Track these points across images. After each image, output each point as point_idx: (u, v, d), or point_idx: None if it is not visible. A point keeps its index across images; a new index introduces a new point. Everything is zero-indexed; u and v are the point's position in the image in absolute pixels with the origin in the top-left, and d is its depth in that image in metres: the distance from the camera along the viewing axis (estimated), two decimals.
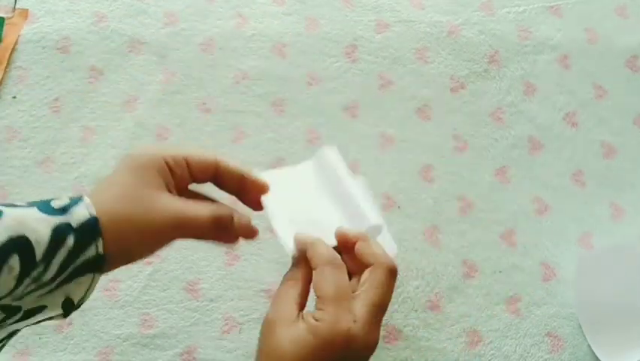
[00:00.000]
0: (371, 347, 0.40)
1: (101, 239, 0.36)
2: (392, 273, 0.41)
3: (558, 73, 0.71)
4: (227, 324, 0.56)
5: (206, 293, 0.57)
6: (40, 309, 0.36)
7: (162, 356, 0.54)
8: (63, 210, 0.35)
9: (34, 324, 0.38)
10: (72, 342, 0.54)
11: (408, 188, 0.64)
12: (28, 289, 0.34)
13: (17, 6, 0.68)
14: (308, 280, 0.42)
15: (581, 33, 0.74)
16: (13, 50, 0.66)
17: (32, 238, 0.33)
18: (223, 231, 0.43)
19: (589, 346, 0.58)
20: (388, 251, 0.43)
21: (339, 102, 0.67)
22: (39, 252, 0.34)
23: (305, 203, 0.47)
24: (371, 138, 0.66)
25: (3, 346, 0.37)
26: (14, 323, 0.35)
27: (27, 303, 0.35)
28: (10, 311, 0.34)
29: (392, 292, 0.41)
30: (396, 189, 0.64)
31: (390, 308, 0.59)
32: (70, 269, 0.36)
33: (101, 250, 0.36)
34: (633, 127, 0.69)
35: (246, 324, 0.56)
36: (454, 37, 0.72)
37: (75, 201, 0.36)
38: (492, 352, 0.58)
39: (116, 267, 0.39)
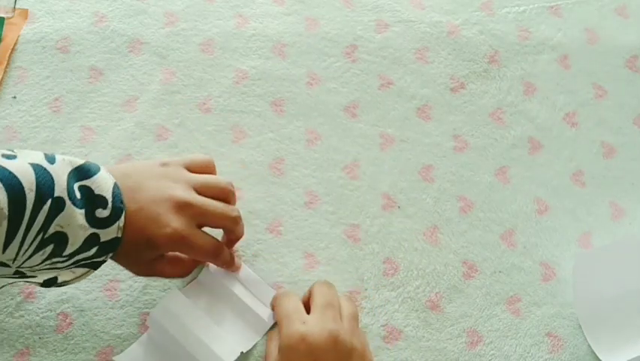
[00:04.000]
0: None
1: (111, 254, 0.43)
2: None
3: (558, 73, 0.71)
4: None
5: None
6: (31, 277, 0.41)
7: None
8: (103, 224, 0.40)
9: (10, 283, 0.43)
10: (72, 342, 0.54)
11: (408, 188, 0.64)
12: (43, 268, 0.40)
13: (17, 6, 0.68)
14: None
15: (581, 33, 0.74)
16: (13, 50, 0.66)
17: (70, 240, 0.39)
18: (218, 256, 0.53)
19: (589, 346, 0.58)
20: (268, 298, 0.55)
21: (339, 102, 0.68)
22: (68, 251, 0.39)
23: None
24: (371, 138, 0.66)
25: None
26: (10, 278, 0.41)
27: (32, 273, 0.40)
28: (19, 275, 0.40)
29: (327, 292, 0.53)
30: (397, 189, 0.64)
31: (390, 308, 0.59)
32: (79, 263, 0.41)
33: (107, 259, 0.43)
34: (633, 127, 0.69)
35: None
36: (454, 37, 0.72)
37: (115, 216, 0.41)
38: (492, 352, 0.58)
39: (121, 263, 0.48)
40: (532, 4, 0.75)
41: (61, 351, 0.54)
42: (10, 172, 0.35)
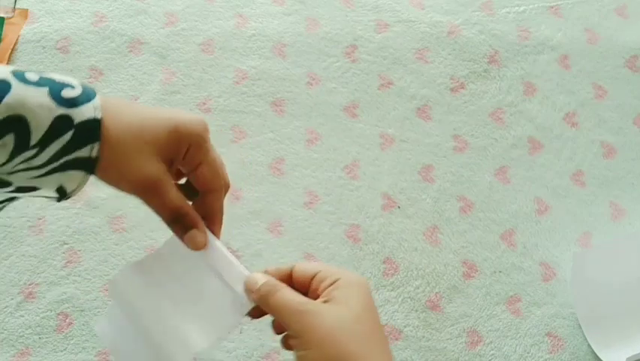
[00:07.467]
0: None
1: (98, 143, 0.37)
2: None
3: (558, 73, 0.71)
4: None
5: None
6: (34, 189, 0.37)
7: None
8: (72, 103, 0.35)
9: (33, 196, 0.38)
10: (72, 342, 0.54)
11: (408, 188, 0.64)
12: (18, 167, 0.35)
13: (17, 6, 0.68)
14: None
15: (581, 33, 0.74)
16: (13, 49, 0.66)
17: (32, 122, 0.34)
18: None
19: (589, 346, 0.58)
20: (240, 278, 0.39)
21: (339, 102, 0.67)
22: (35, 137, 0.35)
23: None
24: (371, 138, 0.66)
25: (3, 207, 0.38)
26: (9, 192, 0.36)
27: (18, 180, 0.36)
28: (2, 183, 0.36)
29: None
30: (396, 189, 0.64)
31: (390, 308, 0.60)
32: (62, 161, 0.36)
33: (95, 154, 0.37)
34: (633, 127, 0.69)
35: (246, 325, 0.56)
36: (454, 37, 0.72)
37: (86, 97, 0.36)
38: (492, 352, 0.58)
39: (108, 179, 0.38)
40: (532, 4, 0.75)
41: (62, 351, 0.54)
42: None
